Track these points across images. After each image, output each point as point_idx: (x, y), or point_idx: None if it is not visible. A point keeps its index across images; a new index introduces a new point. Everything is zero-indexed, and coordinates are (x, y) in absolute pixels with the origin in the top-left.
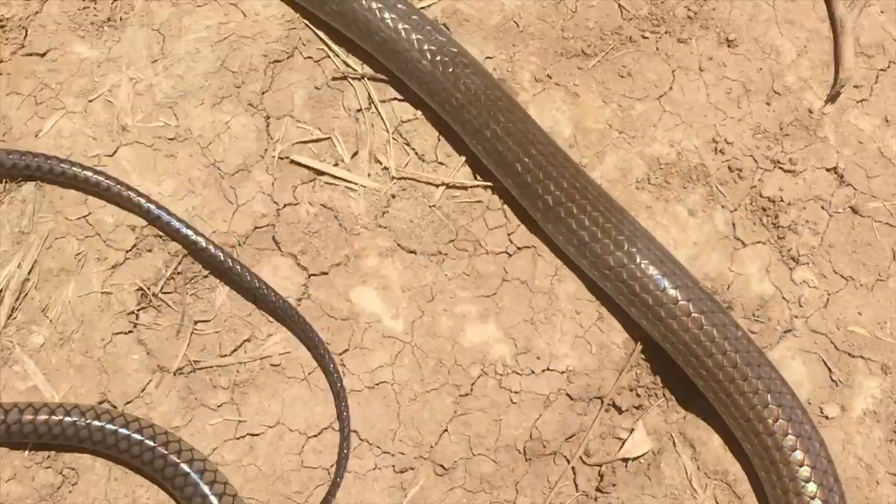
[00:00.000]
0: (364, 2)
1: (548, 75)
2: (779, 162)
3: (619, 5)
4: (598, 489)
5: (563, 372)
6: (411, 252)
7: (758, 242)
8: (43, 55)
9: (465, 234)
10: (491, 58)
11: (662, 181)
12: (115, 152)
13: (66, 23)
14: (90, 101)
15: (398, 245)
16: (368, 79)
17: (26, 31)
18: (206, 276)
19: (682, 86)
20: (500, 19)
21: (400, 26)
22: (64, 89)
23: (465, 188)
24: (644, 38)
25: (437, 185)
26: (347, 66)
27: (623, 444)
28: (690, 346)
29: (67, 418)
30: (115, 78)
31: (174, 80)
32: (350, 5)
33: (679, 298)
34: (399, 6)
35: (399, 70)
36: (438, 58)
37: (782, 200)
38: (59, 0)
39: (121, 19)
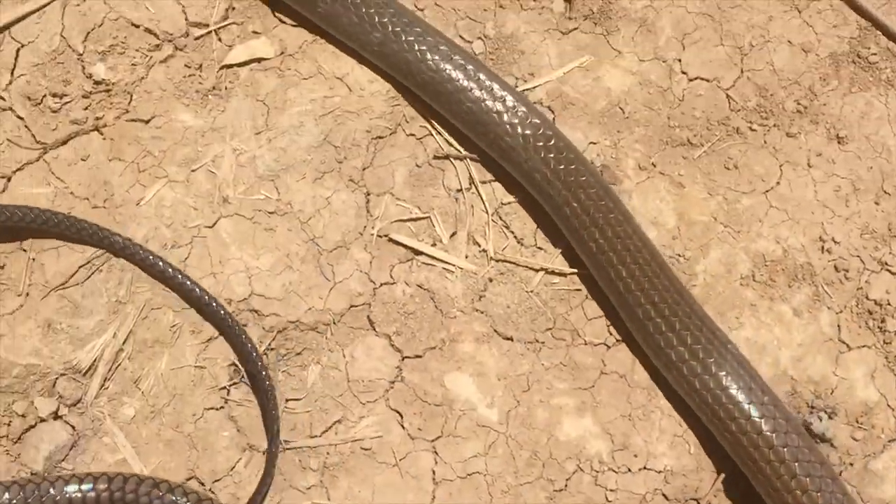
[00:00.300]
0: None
1: (652, 164)
2: (886, 264)
3: (727, 95)
4: None
5: (660, 471)
6: (508, 339)
7: (863, 346)
8: (147, 122)
9: (562, 322)
10: (595, 143)
11: (767, 279)
12: (214, 223)
13: (172, 90)
14: (193, 170)
15: (495, 331)
16: (470, 159)
17: (131, 96)
18: (298, 354)
19: (789, 181)
20: (606, 104)
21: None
22: (167, 157)
23: (564, 275)
24: (752, 130)
25: (536, 271)
26: (450, 145)
27: None
28: (770, 478)
29: (170, 496)
30: (219, 148)
31: (277, 152)
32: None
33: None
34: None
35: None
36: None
37: (889, 304)
38: (164, 67)
39: (226, 88)
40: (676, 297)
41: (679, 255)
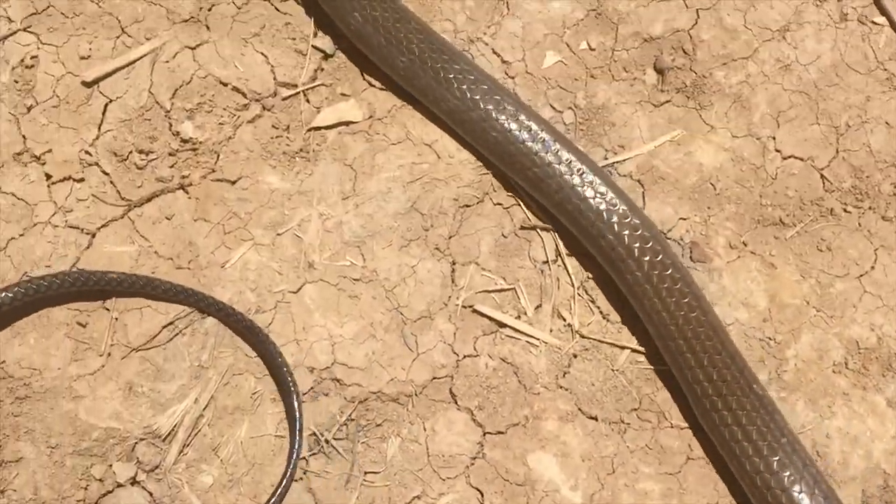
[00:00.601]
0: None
1: (743, 242)
2: None
3: (822, 175)
4: None
5: None
6: (592, 418)
7: None
8: (233, 182)
9: (648, 403)
10: (685, 219)
11: (861, 367)
12: (299, 289)
13: (259, 150)
14: (279, 234)
15: (579, 409)
16: (556, 231)
17: (218, 155)
18: (378, 425)
19: (884, 266)
20: (697, 180)
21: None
22: (253, 220)
23: (650, 354)
24: (846, 211)
25: (622, 348)
26: (537, 216)
27: None
28: None
29: None
30: (305, 212)
31: (364, 219)
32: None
33: None
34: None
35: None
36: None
37: None
38: (252, 127)
39: (313, 151)
40: (745, 387)
41: (769, 339)
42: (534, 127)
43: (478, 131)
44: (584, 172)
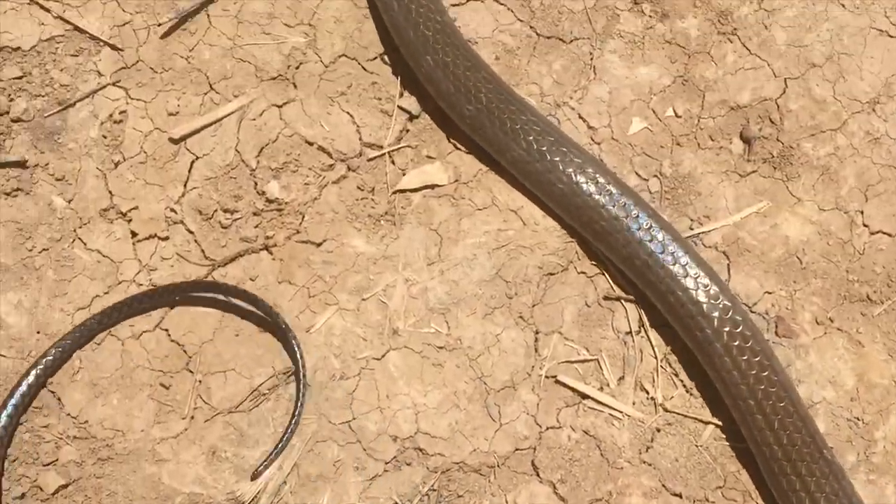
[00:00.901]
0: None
1: (830, 318)
2: None
3: None
4: None
5: None
6: (676, 495)
7: None
8: (318, 245)
9: (733, 481)
10: (770, 293)
11: None
12: (383, 356)
13: (344, 212)
14: (363, 299)
15: (663, 486)
16: (638, 302)
17: (303, 216)
18: (460, 496)
19: None
20: (783, 253)
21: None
22: (338, 284)
23: (734, 431)
24: None
25: (705, 423)
26: (621, 286)
27: None
28: None
29: None
30: (391, 278)
31: (449, 285)
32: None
33: None
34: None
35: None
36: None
37: None
38: (337, 188)
39: (398, 214)
40: (815, 453)
41: (857, 419)
42: (599, 177)
43: (543, 183)
44: (652, 227)
